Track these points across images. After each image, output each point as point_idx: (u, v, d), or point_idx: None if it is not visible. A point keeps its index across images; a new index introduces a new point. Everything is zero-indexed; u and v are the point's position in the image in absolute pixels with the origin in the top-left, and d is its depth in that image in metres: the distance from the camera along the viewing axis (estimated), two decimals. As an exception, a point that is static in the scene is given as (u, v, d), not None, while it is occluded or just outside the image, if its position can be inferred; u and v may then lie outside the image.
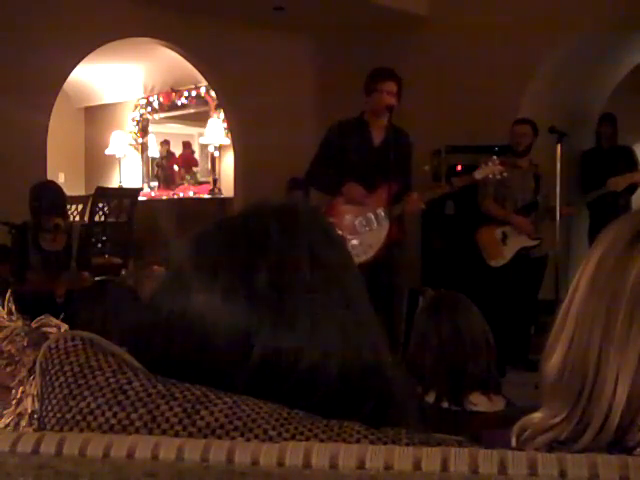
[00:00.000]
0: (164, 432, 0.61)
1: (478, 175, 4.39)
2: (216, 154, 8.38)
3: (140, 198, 7.30)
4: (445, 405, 1.90)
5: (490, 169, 4.40)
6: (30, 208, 4.32)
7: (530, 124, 4.94)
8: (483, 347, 1.95)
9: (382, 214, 4.15)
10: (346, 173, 4.18)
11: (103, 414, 0.62)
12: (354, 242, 4.05)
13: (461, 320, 1.97)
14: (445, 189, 4.52)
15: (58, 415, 0.64)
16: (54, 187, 4.49)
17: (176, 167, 9.05)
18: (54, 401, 0.65)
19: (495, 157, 4.49)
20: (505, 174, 4.47)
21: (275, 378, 0.66)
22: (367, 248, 4.09)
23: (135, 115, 9.14)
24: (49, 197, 4.29)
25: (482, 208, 5.02)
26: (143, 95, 9.00)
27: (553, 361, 0.77)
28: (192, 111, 8.63)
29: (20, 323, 0.80)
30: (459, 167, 5.67)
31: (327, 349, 0.68)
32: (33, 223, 4.28)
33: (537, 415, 0.78)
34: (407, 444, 0.60)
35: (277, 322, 0.67)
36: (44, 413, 0.65)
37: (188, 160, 8.96)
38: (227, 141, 7.97)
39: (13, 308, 0.81)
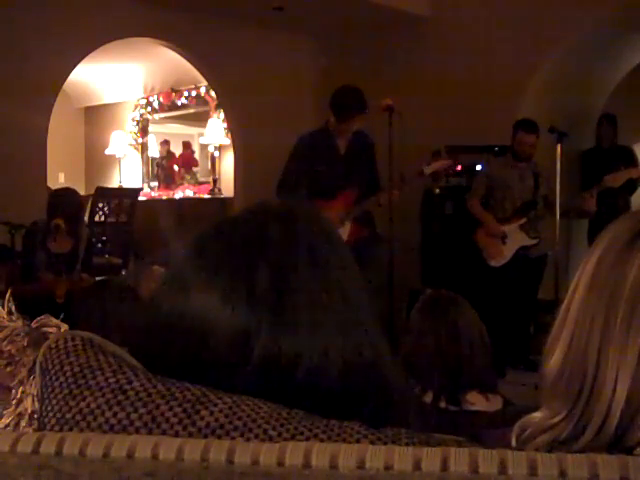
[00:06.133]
0: (164, 432, 0.61)
1: (427, 170, 4.55)
2: (216, 154, 8.38)
3: (140, 198, 7.31)
4: (443, 405, 1.90)
5: (439, 163, 4.63)
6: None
7: (537, 133, 4.88)
8: (479, 346, 1.95)
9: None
10: (315, 183, 4.37)
11: (103, 414, 0.62)
12: None
13: (457, 319, 1.97)
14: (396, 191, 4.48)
15: (58, 415, 0.64)
16: (66, 193, 4.50)
17: (176, 167, 9.05)
18: (54, 401, 0.65)
19: (444, 152, 4.71)
20: (455, 167, 4.76)
21: (275, 379, 0.66)
22: None
23: (135, 115, 9.14)
24: (58, 202, 4.33)
25: (467, 206, 5.06)
26: (143, 95, 9.00)
27: (553, 361, 0.77)
28: (192, 111, 8.63)
29: (20, 323, 0.80)
30: (459, 167, 5.67)
31: (327, 350, 0.68)
32: (45, 225, 4.31)
33: (537, 415, 0.78)
34: (407, 444, 0.60)
35: (277, 323, 0.67)
36: (44, 413, 0.65)
37: (188, 160, 8.96)
38: (227, 141, 7.96)
39: (13, 308, 0.81)
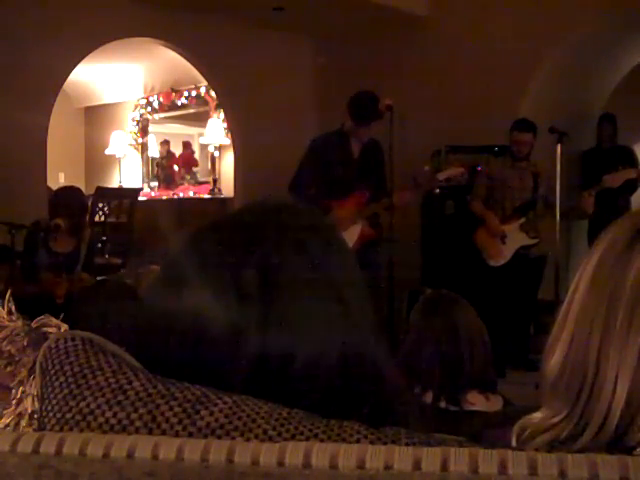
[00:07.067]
0: (164, 432, 0.61)
1: (441, 176, 4.69)
2: (216, 154, 8.38)
3: (140, 198, 7.30)
4: (443, 405, 1.90)
5: (453, 171, 4.75)
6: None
7: (532, 131, 4.91)
8: (479, 346, 1.95)
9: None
10: (328, 184, 4.46)
11: (103, 414, 0.62)
12: None
13: (457, 319, 1.97)
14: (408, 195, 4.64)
15: (58, 415, 0.64)
16: (68, 193, 4.49)
17: (176, 167, 9.05)
18: (54, 401, 0.65)
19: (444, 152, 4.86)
20: (465, 177, 4.85)
21: (270, 377, 0.66)
22: None
23: (135, 115, 9.14)
24: (60, 201, 4.32)
25: (469, 207, 5.10)
26: (143, 95, 9.00)
27: (553, 361, 0.77)
28: (192, 111, 8.62)
29: (20, 323, 0.80)
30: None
31: (322, 348, 0.68)
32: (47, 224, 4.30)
33: (537, 415, 0.78)
34: (407, 444, 0.60)
35: (270, 320, 0.67)
36: (44, 413, 0.65)
37: (188, 160, 8.96)
38: (227, 141, 7.96)
39: (13, 308, 0.81)
